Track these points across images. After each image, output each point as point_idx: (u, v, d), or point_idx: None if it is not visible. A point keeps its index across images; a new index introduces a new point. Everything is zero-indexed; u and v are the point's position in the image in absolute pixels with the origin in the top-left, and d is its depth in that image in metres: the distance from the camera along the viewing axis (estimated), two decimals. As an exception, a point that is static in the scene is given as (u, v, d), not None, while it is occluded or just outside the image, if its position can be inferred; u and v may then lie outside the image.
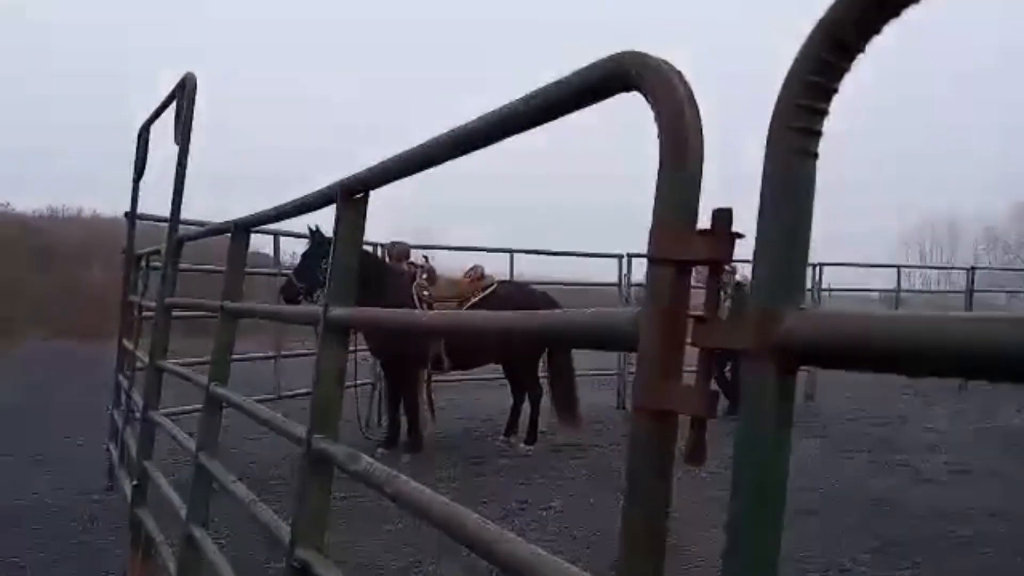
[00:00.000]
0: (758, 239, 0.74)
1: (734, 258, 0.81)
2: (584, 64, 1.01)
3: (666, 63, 0.89)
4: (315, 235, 6.69)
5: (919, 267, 34.49)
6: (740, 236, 0.80)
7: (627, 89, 0.94)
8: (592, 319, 0.95)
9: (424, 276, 6.99)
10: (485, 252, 10.55)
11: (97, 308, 18.60)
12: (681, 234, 0.84)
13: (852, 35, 0.71)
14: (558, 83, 1.04)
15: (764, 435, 0.73)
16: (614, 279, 10.36)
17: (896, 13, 0.69)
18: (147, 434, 3.87)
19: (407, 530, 4.71)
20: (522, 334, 1.06)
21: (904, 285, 13.93)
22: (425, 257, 7.46)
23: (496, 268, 9.74)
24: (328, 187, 1.94)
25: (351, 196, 1.87)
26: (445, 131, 1.44)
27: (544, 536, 4.67)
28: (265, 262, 9.24)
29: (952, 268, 28.21)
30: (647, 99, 0.88)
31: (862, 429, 8.46)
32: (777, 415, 0.72)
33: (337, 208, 1.87)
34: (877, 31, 0.71)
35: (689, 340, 0.82)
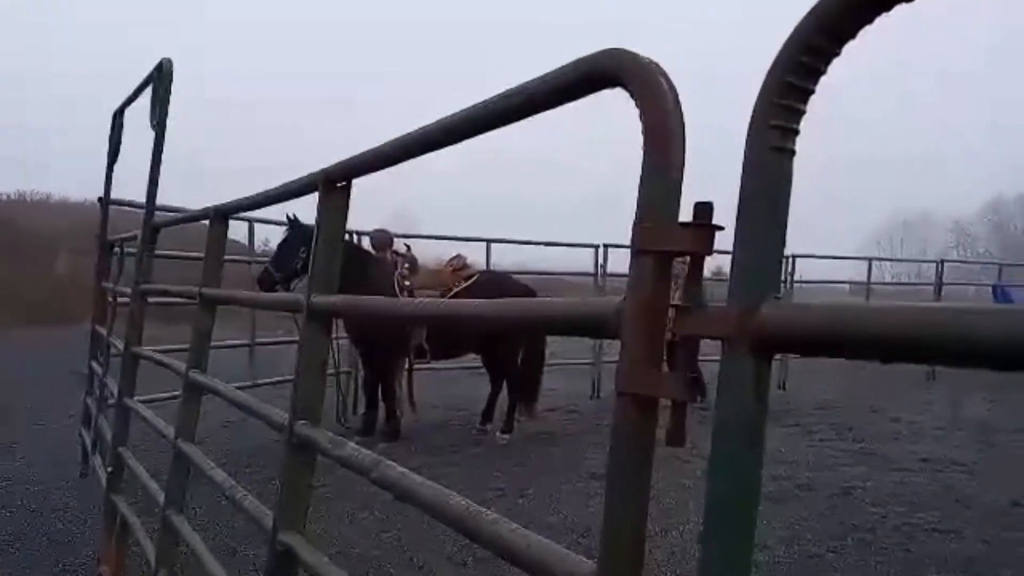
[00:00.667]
0: (737, 233, 0.78)
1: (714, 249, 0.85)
2: (572, 60, 1.04)
3: (651, 61, 0.92)
4: (292, 223, 6.66)
5: (890, 260, 34.93)
6: (720, 228, 0.84)
7: (612, 85, 0.97)
8: (577, 308, 0.98)
9: (406, 266, 6.96)
10: (462, 241, 10.58)
11: (65, 293, 18.42)
12: (663, 227, 0.87)
13: (826, 39, 0.74)
14: (546, 77, 1.06)
15: (742, 418, 0.76)
16: (590, 269, 10.42)
17: (870, 19, 0.73)
18: (122, 421, 3.85)
19: (385, 518, 4.74)
20: (508, 322, 1.09)
21: (875, 278, 14.09)
22: (407, 246, 7.40)
23: (472, 258, 9.78)
24: (310, 175, 1.95)
25: (334, 184, 1.88)
26: (430, 122, 1.46)
27: (519, 523, 4.71)
28: (239, 250, 9.19)
29: (922, 261, 28.66)
30: (632, 96, 0.91)
31: (831, 418, 8.59)
32: (755, 399, 0.76)
33: (320, 196, 1.89)
34: (852, 35, 0.75)
35: (670, 329, 0.86)
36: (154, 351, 3.88)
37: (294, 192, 2.12)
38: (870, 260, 13.73)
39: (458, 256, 7.52)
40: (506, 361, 7.36)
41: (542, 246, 10.65)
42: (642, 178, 0.89)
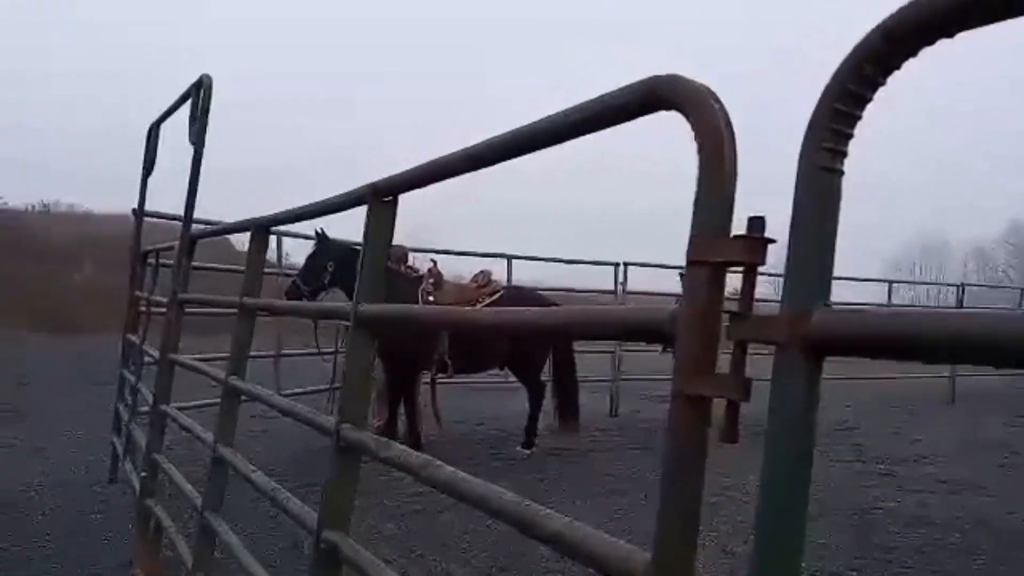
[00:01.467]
0: (791, 246, 0.85)
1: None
2: (626, 83, 1.12)
3: (705, 88, 1.00)
4: (320, 238, 6.75)
5: (910, 282, 34.68)
6: (772, 241, 0.91)
7: (667, 108, 1.04)
8: (634, 315, 1.06)
9: (431, 280, 6.97)
10: (482, 257, 10.68)
11: (88, 304, 18.68)
12: (717, 240, 0.94)
13: (875, 69, 0.82)
14: (604, 97, 1.14)
15: (795, 416, 0.83)
16: (608, 286, 10.49)
17: (915, 53, 0.80)
18: (157, 427, 3.94)
19: (412, 531, 4.80)
20: (563, 328, 1.16)
21: (895, 301, 14.07)
22: (433, 261, 7.43)
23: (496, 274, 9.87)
24: (358, 189, 2.04)
25: (381, 199, 1.97)
26: (482, 140, 1.54)
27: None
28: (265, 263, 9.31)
29: (942, 284, 28.48)
30: (688, 120, 0.99)
31: (851, 439, 8.58)
32: (807, 398, 0.83)
33: (368, 210, 1.97)
34: (898, 66, 0.82)
35: (725, 335, 0.93)
36: (191, 359, 3.97)
37: (340, 206, 2.21)
38: (890, 283, 13.73)
39: (483, 272, 7.54)
40: (532, 375, 7.42)
41: (562, 263, 10.71)
42: (697, 195, 0.96)
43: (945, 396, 12.55)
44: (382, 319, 1.97)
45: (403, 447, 1.70)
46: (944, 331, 0.71)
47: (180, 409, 4.75)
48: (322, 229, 6.69)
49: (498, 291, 7.17)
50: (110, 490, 5.45)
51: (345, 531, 1.88)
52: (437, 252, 9.94)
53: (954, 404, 12.28)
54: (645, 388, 11.30)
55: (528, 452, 7.20)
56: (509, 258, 9.86)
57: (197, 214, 5.55)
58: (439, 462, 1.55)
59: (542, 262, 10.81)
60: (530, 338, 6.82)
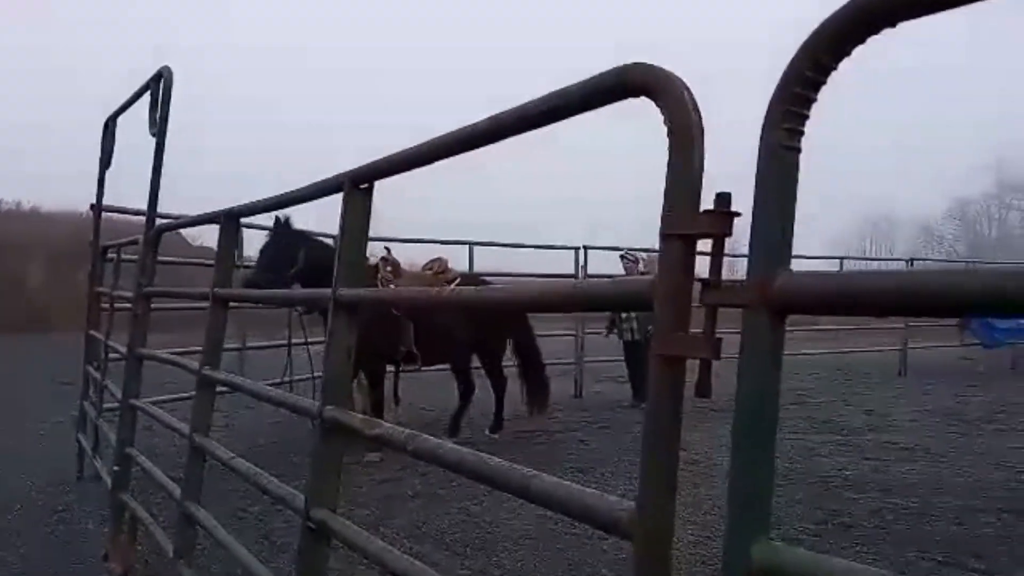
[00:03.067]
0: (754, 217, 0.94)
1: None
2: (602, 71, 1.20)
3: (673, 75, 1.08)
4: (277, 226, 6.43)
5: (860, 259, 35.48)
6: (737, 215, 1.00)
7: (639, 95, 1.13)
8: (614, 287, 1.14)
9: (388, 268, 6.80)
10: (443, 244, 10.71)
11: (43, 302, 18.33)
12: (688, 214, 1.03)
13: (829, 56, 0.91)
14: (581, 84, 1.22)
15: (762, 373, 0.92)
16: (570, 270, 10.62)
17: (862, 40, 0.90)
18: (128, 421, 3.95)
19: (382, 514, 4.87)
20: (552, 301, 1.24)
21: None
22: (387, 249, 7.21)
23: (453, 261, 9.91)
24: (335, 176, 2.10)
25: (357, 186, 2.03)
26: (457, 128, 1.61)
27: (512, 512, 4.87)
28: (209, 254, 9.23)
29: (892, 259, 29.23)
30: (658, 105, 1.08)
31: (807, 412, 8.83)
32: (772, 356, 0.92)
33: (344, 197, 2.03)
34: (847, 53, 0.91)
35: (696, 300, 1.02)
36: (161, 352, 3.98)
37: (317, 193, 2.26)
38: (841, 259, 14.08)
39: (439, 259, 7.46)
40: (494, 363, 7.47)
41: (524, 248, 10.80)
42: (668, 174, 1.05)
43: (897, 368, 12.95)
44: (362, 302, 2.04)
45: (388, 424, 1.77)
46: (888, 287, 0.81)
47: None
48: (286, 217, 6.44)
49: (455, 279, 7.08)
50: (80, 487, 5.42)
51: (332, 509, 1.95)
52: (397, 241, 9.94)
53: (905, 376, 12.68)
54: (608, 370, 11.49)
55: (495, 436, 7.27)
56: (471, 244, 9.91)
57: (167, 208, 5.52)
58: (425, 435, 1.63)
59: (504, 248, 10.90)
60: (490, 324, 7.01)
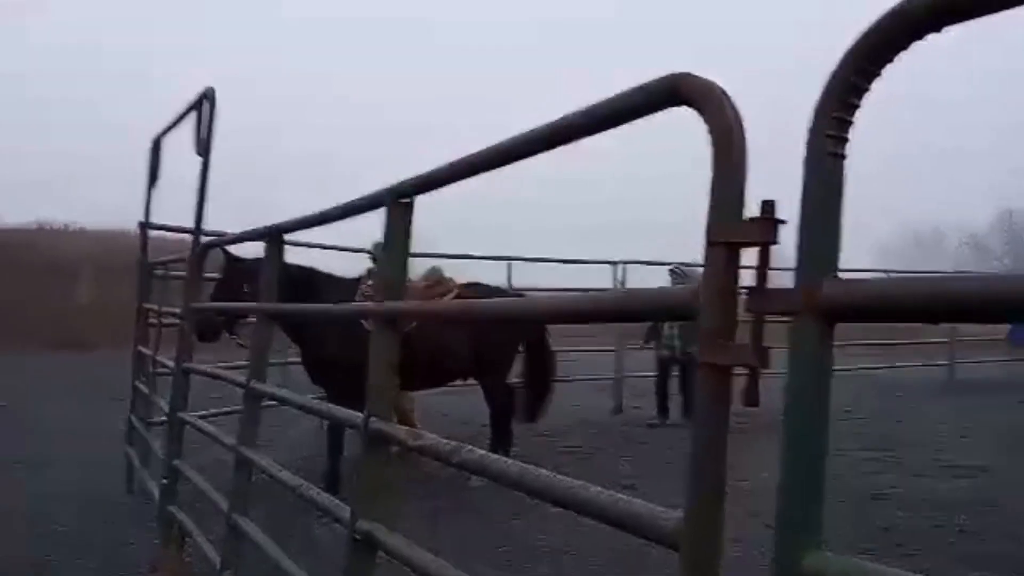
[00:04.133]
0: (801, 224, 0.94)
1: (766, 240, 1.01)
2: (640, 82, 1.21)
3: (715, 84, 1.09)
4: (230, 260, 5.50)
5: (904, 272, 34.81)
6: (783, 222, 1.00)
7: (680, 104, 1.14)
8: (656, 295, 1.15)
9: (369, 283, 5.87)
10: (482, 260, 10.75)
11: (90, 320, 18.75)
12: (731, 222, 1.03)
13: (873, 63, 0.91)
14: (620, 96, 1.23)
15: (810, 380, 0.92)
16: (608, 286, 10.59)
17: (905, 47, 0.90)
18: (175, 434, 4.02)
19: (430, 530, 4.88)
20: (592, 313, 1.25)
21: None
22: (373, 259, 6.32)
23: (494, 277, 9.95)
24: (377, 192, 2.13)
25: (399, 200, 2.06)
26: (500, 141, 1.63)
27: (556, 530, 4.86)
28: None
29: (937, 273, 28.65)
30: (700, 113, 1.08)
31: (853, 428, 8.66)
32: (820, 364, 0.92)
33: (387, 211, 2.06)
34: (891, 60, 0.91)
35: (743, 308, 1.02)
36: (207, 367, 4.05)
37: (359, 208, 2.29)
38: (887, 272, 13.84)
39: (433, 268, 6.62)
40: (497, 377, 6.45)
41: (562, 263, 10.79)
42: (712, 182, 1.05)
43: (944, 383, 12.66)
44: (403, 315, 2.06)
45: (433, 436, 1.79)
46: (939, 293, 0.80)
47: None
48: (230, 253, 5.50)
49: (451, 290, 6.21)
50: (127, 499, 5.53)
51: (378, 520, 1.97)
52: (434, 256, 9.91)
53: (953, 391, 12.39)
54: (648, 386, 11.41)
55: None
56: (509, 260, 9.94)
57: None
58: (469, 446, 1.64)
59: (541, 263, 10.91)
60: (494, 340, 6.18)
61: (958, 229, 56.41)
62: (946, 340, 13.18)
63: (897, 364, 13.46)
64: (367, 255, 6.41)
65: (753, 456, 6.59)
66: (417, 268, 6.56)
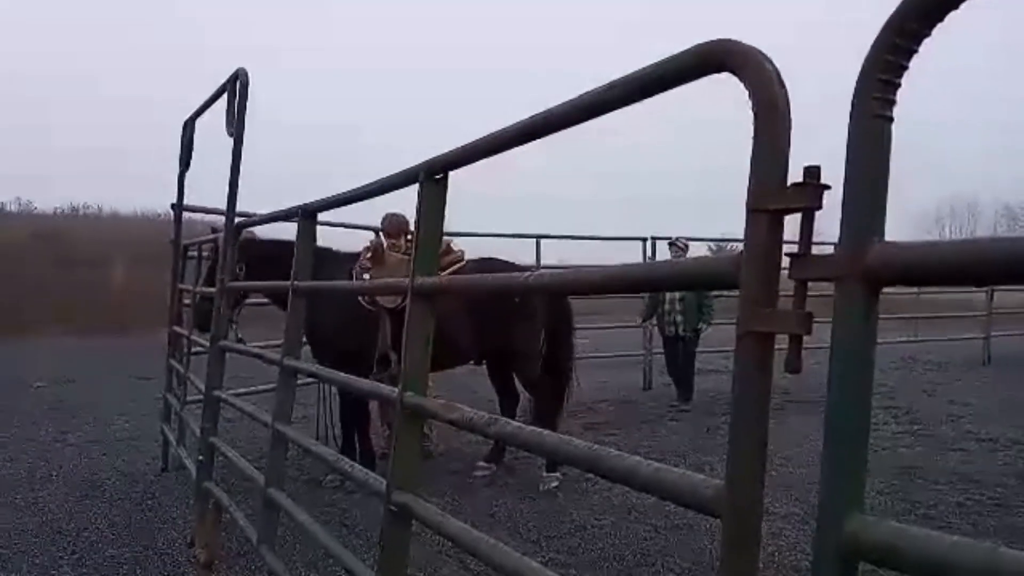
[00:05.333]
0: (846, 187, 0.93)
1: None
2: (679, 50, 1.20)
3: (755, 48, 1.07)
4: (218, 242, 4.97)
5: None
6: (827, 187, 0.98)
7: (720, 71, 1.12)
8: (697, 264, 1.14)
9: (368, 256, 5.60)
10: (510, 238, 10.74)
11: (125, 304, 19.04)
12: (774, 189, 1.02)
13: (920, 23, 0.89)
14: (659, 64, 1.21)
15: (857, 344, 0.91)
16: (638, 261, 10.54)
17: (955, 5, 0.88)
18: (211, 412, 4.08)
19: (459, 505, 4.93)
20: (631, 283, 1.24)
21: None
22: (376, 232, 6.08)
23: (522, 254, 9.94)
24: (411, 168, 2.13)
25: (433, 177, 2.06)
26: (536, 112, 1.62)
27: (584, 505, 4.89)
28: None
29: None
30: (741, 80, 1.06)
31: (886, 402, 8.59)
32: (867, 327, 0.91)
33: (420, 187, 2.06)
34: (940, 19, 0.89)
35: (786, 274, 1.01)
36: (241, 345, 4.10)
37: (392, 186, 2.30)
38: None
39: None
40: (525, 367, 5.77)
41: (591, 240, 10.75)
42: (754, 149, 1.04)
43: (980, 358, 12.49)
44: (438, 290, 2.06)
45: (467, 408, 1.79)
46: (986, 254, 0.79)
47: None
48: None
49: (459, 261, 5.73)
50: (164, 477, 5.63)
51: (413, 491, 1.99)
52: (460, 235, 9.80)
53: (989, 365, 12.22)
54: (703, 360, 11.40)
55: (491, 468, 5.71)
56: (537, 238, 9.92)
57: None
58: (504, 419, 1.65)
59: (571, 240, 10.88)
60: (514, 324, 5.56)
61: (995, 201, 55.35)
62: (983, 314, 12.98)
63: (930, 338, 13.30)
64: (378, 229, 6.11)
65: (783, 432, 6.59)
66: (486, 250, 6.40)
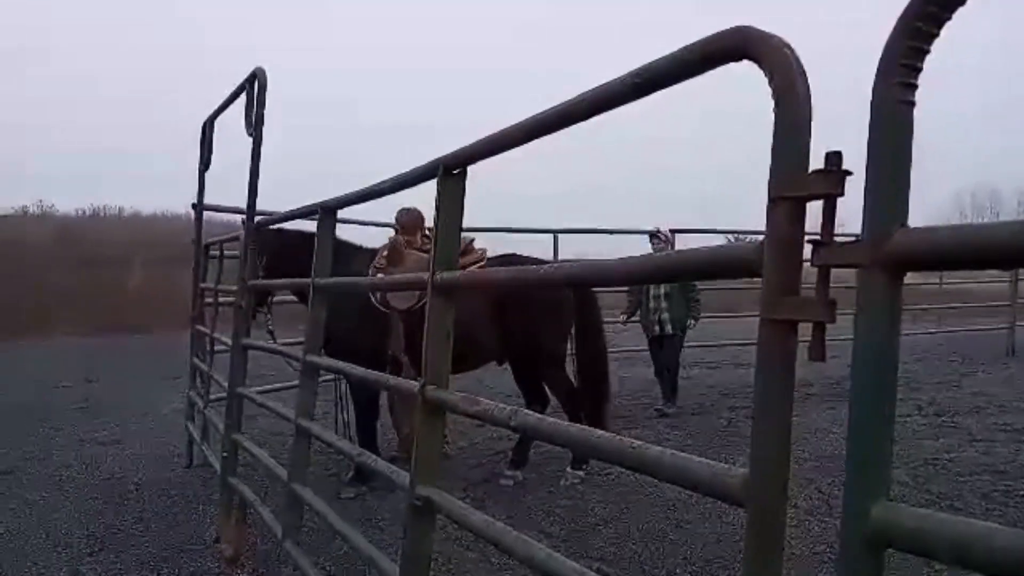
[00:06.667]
0: (868, 173, 0.92)
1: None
2: (698, 38, 1.19)
3: (777, 37, 1.07)
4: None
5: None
6: (849, 173, 0.98)
7: (739, 59, 1.12)
8: (718, 252, 1.14)
9: (384, 254, 5.49)
10: (527, 233, 10.75)
11: (141, 304, 19.23)
12: (795, 176, 1.02)
13: (939, 7, 0.88)
14: (676, 53, 1.21)
15: (880, 331, 0.91)
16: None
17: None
18: (234, 409, 4.12)
19: (482, 495, 4.94)
20: (651, 273, 1.24)
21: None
22: (396, 229, 5.85)
23: (540, 249, 9.93)
24: (428, 163, 2.14)
25: (450, 172, 2.06)
26: (553, 105, 1.62)
27: (605, 501, 4.89)
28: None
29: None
30: (762, 68, 1.06)
31: (910, 394, 8.51)
32: (890, 314, 0.90)
33: (439, 182, 2.07)
34: (962, 2, 0.89)
35: (808, 262, 1.01)
36: (263, 342, 4.13)
37: (411, 181, 2.31)
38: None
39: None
40: (550, 367, 5.49)
41: (607, 234, 10.74)
42: (775, 136, 1.04)
43: (1005, 348, 12.34)
44: (459, 284, 2.07)
45: (488, 401, 1.80)
46: (1011, 237, 0.78)
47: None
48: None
49: (480, 260, 5.49)
50: (188, 474, 5.69)
51: (436, 485, 2.00)
52: (478, 230, 9.66)
53: (1014, 355, 12.07)
54: (696, 356, 11.38)
55: (517, 475, 5.42)
56: (555, 232, 9.91)
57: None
58: (527, 411, 1.65)
59: (587, 235, 10.88)
60: (536, 320, 5.29)
61: (1017, 192, 54.63)
62: (1007, 304, 12.82)
63: (954, 329, 13.17)
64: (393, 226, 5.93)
65: (806, 426, 6.55)
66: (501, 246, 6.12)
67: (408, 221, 5.66)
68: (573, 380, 5.62)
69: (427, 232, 5.63)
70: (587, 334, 5.64)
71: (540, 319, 5.30)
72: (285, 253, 5.05)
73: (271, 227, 4.76)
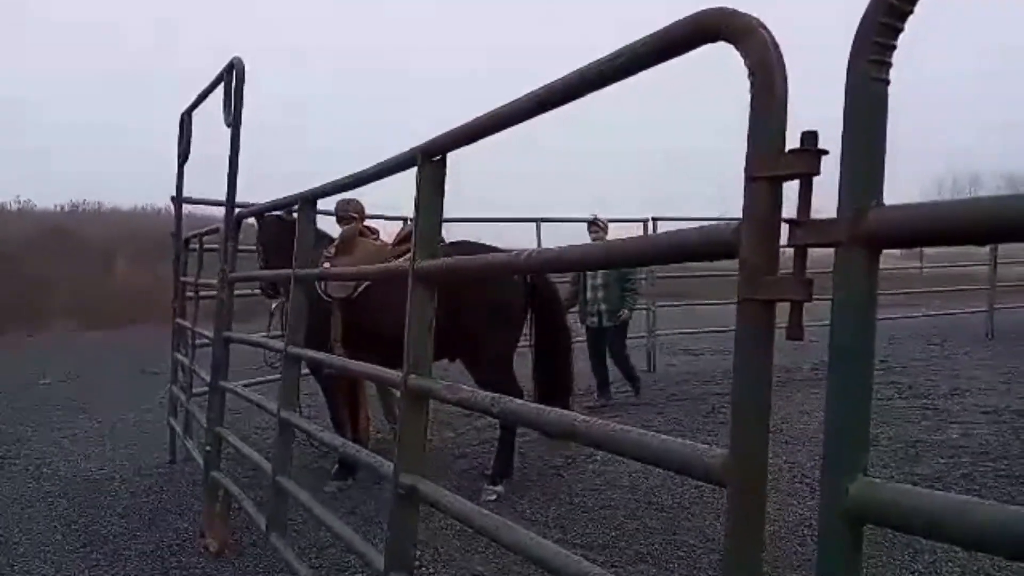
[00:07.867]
0: (843, 151, 0.93)
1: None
2: (673, 21, 1.19)
3: (751, 16, 1.07)
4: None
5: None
6: (825, 152, 0.98)
7: (715, 40, 1.12)
8: (696, 235, 1.14)
9: (333, 245, 5.34)
10: (508, 223, 10.75)
11: (128, 298, 19.08)
12: (772, 156, 1.02)
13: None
14: (650, 36, 1.21)
15: (857, 308, 0.91)
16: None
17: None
18: (217, 403, 4.09)
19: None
20: (632, 256, 1.24)
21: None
22: (349, 218, 5.53)
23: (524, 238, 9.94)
24: (408, 151, 2.13)
25: (430, 159, 2.05)
26: (530, 91, 1.61)
27: (592, 489, 4.90)
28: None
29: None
30: (738, 49, 1.06)
31: (890, 377, 8.60)
32: (867, 291, 0.91)
33: (418, 170, 2.06)
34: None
35: (785, 242, 1.01)
36: (244, 336, 4.11)
37: (390, 169, 2.30)
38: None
39: (406, 223, 5.87)
40: (491, 368, 4.88)
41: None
42: (751, 116, 1.04)
43: (984, 330, 12.48)
44: (438, 274, 2.06)
45: (470, 388, 1.80)
46: (987, 212, 0.79)
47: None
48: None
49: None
50: (171, 468, 5.66)
51: (420, 473, 2.00)
52: (457, 221, 9.45)
53: (992, 338, 12.21)
54: (681, 343, 11.44)
55: (499, 491, 4.84)
56: (537, 221, 9.92)
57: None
58: (509, 397, 1.65)
59: (571, 223, 10.87)
60: (481, 317, 4.77)
61: (997, 176, 55.12)
62: (986, 287, 12.95)
63: (933, 312, 13.31)
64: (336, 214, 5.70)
65: (785, 409, 6.60)
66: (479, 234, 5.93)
67: (344, 212, 5.52)
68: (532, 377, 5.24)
69: (369, 227, 5.65)
70: (546, 327, 5.21)
71: (488, 320, 4.84)
72: (286, 240, 4.77)
73: (272, 215, 4.73)
